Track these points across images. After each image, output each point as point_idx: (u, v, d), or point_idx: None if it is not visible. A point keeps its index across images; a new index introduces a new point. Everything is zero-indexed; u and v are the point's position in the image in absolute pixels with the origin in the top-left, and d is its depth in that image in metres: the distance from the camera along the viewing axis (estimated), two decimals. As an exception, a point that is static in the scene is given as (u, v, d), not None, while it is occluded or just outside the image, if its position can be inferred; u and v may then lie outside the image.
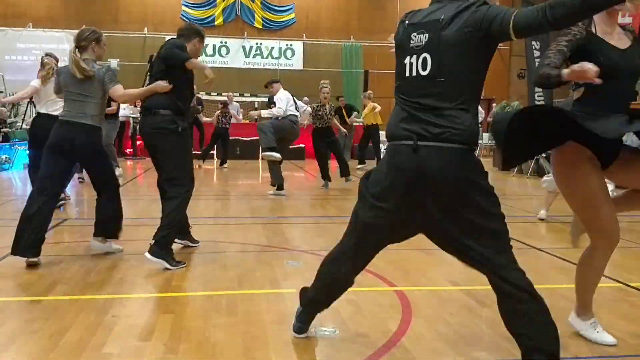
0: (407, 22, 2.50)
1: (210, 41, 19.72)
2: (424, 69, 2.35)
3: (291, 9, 22.00)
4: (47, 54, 7.01)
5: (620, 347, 2.92)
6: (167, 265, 4.23)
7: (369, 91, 15.02)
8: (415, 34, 2.40)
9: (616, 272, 4.32)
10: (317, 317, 3.30)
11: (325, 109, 9.60)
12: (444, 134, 2.26)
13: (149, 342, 2.92)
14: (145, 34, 20.96)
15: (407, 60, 2.44)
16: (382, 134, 17.42)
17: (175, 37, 4.70)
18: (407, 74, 2.44)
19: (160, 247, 4.26)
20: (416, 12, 2.52)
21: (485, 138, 19.76)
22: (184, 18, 20.12)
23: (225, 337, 2.99)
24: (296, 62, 21.78)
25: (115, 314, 3.31)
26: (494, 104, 20.47)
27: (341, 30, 22.24)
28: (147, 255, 4.25)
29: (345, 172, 9.85)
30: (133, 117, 15.72)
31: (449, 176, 2.26)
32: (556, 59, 2.69)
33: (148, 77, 4.71)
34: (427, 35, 2.34)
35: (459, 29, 2.26)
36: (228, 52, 21.12)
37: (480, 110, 11.52)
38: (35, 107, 7.32)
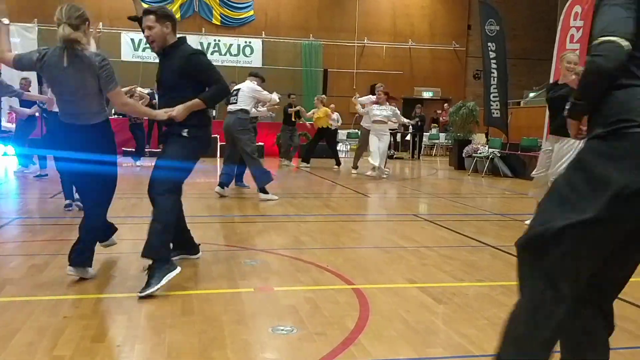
0: None
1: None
2: None
3: (250, 6, 21.87)
4: None
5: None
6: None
7: (322, 95, 14.99)
8: None
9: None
10: (275, 316, 3.30)
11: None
12: None
13: (102, 343, 2.86)
14: (100, 28, 20.48)
15: None
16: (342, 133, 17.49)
17: (183, 37, 4.20)
18: None
19: None
20: None
21: (442, 137, 20.08)
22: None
23: (181, 337, 2.95)
24: (255, 60, 21.66)
25: (67, 315, 3.22)
26: (445, 104, 20.82)
27: (301, 28, 22.23)
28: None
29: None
30: None
31: None
32: None
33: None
34: None
35: None
36: (185, 48, 20.89)
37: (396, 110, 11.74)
38: None
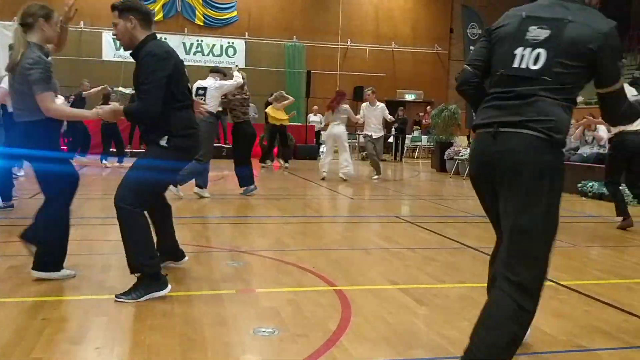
0: (524, 13, 2.48)
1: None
2: (535, 63, 2.37)
3: (233, 6, 21.82)
4: None
5: (551, 343, 3.03)
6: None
7: (279, 92, 14.64)
8: (535, 27, 2.40)
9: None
10: (256, 318, 3.28)
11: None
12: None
13: (81, 345, 2.82)
14: (81, 27, 20.32)
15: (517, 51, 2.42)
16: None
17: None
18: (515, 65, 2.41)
19: None
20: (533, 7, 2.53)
21: (424, 140, 20.18)
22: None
23: (161, 339, 2.92)
24: (238, 61, 21.58)
25: (45, 317, 3.18)
26: (428, 107, 20.94)
27: (284, 29, 22.23)
28: None
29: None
30: None
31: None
32: None
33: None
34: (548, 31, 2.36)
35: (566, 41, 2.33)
36: (168, 48, 20.77)
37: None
38: None
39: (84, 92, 13.19)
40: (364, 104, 12.10)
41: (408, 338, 3.06)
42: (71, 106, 11.97)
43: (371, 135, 11.75)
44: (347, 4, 22.79)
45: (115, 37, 3.74)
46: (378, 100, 11.93)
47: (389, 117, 12.35)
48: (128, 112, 3.69)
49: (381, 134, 12.00)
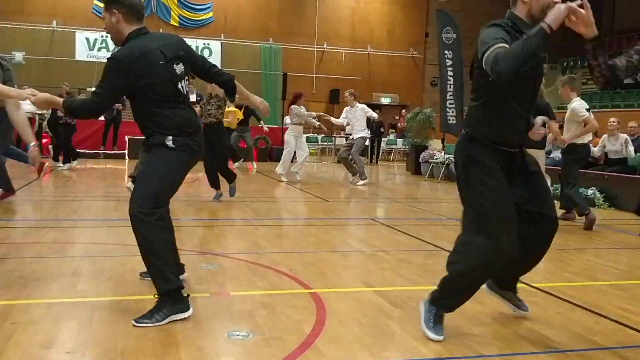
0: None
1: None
2: None
3: (209, 7, 21.71)
4: None
5: (523, 344, 3.06)
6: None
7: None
8: None
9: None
10: (230, 321, 3.26)
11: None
12: None
13: (52, 349, 2.77)
14: (54, 27, 20.03)
15: None
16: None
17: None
18: None
19: None
20: None
21: (400, 143, 20.30)
22: (97, 13, 19.39)
23: (134, 343, 2.88)
24: (214, 62, 21.29)
25: (15, 321, 3.11)
26: (403, 110, 21.07)
27: (260, 31, 22.18)
28: None
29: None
30: (39, 114, 14.76)
31: None
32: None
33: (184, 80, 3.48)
34: None
35: None
36: (143, 49, 20.57)
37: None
38: None
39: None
40: (346, 108, 12.09)
41: (382, 340, 3.07)
42: (52, 114, 11.65)
43: (352, 137, 11.79)
44: (323, 7, 22.84)
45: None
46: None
47: (374, 116, 12.23)
48: (67, 106, 3.40)
49: (361, 135, 11.70)
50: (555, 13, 2.61)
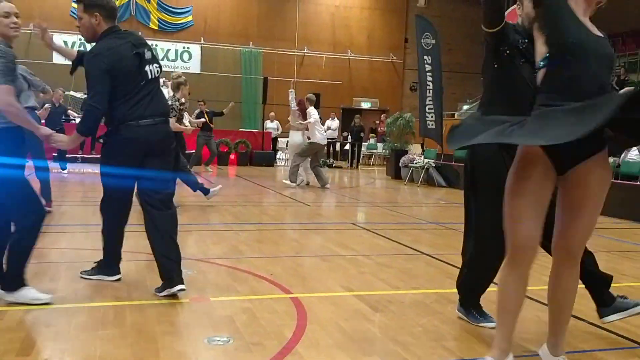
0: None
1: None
2: None
3: (189, 11, 21.61)
4: None
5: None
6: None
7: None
8: None
9: (498, 277, 4.57)
10: (210, 327, 3.24)
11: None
12: None
13: (28, 357, 2.73)
14: (30, 30, 19.75)
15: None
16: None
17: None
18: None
19: None
20: None
21: (380, 147, 20.38)
22: (74, 15, 19.13)
23: (113, 349, 2.85)
24: (193, 66, 21.41)
25: (-10, 329, 3.07)
26: (383, 115, 21.17)
27: (240, 35, 22.13)
28: None
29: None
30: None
31: None
32: None
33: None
34: None
35: None
36: (122, 52, 20.42)
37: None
38: None
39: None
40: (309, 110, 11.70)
41: (363, 344, 3.08)
42: (48, 116, 11.49)
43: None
44: (303, 11, 22.88)
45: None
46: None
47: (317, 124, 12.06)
48: (79, 127, 3.64)
49: (315, 140, 11.35)
50: None
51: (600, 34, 2.53)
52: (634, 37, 19.96)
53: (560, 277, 2.73)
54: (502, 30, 2.93)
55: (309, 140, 11.30)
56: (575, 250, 2.67)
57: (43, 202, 3.85)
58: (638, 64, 17.46)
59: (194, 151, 13.40)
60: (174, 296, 3.73)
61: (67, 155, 12.90)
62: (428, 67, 14.41)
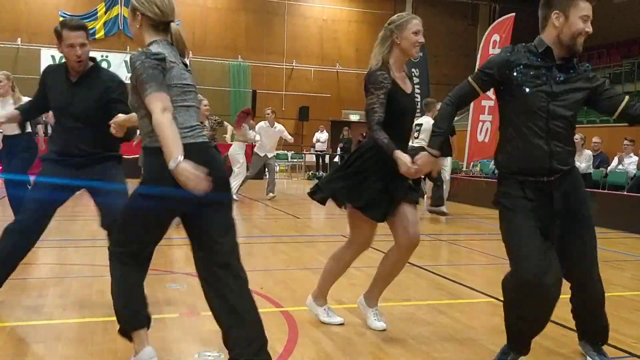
0: None
1: (90, 55, 18.90)
2: None
3: (177, 24, 21.59)
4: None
5: (492, 358, 3.09)
6: None
7: None
8: None
9: (490, 288, 4.59)
10: (200, 342, 3.22)
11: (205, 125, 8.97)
12: None
13: (16, 375, 2.70)
14: (18, 44, 19.73)
15: None
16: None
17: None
18: None
19: None
20: None
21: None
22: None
23: (102, 366, 2.82)
24: (182, 79, 21.35)
25: (-24, 346, 3.03)
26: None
27: (228, 48, 22.17)
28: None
29: None
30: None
31: None
32: (381, 112, 3.36)
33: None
34: None
35: None
36: (109, 66, 20.24)
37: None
38: None
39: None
40: (261, 123, 11.81)
41: (354, 357, 3.07)
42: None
43: (266, 155, 11.66)
44: (291, 25, 22.98)
45: (79, 57, 3.73)
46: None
47: (289, 138, 12.15)
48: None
49: (274, 153, 11.98)
50: (424, 161, 3.07)
51: (409, 90, 3.70)
52: (618, 49, 20.24)
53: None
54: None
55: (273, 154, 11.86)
56: None
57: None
58: (623, 74, 17.64)
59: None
60: (163, 311, 3.70)
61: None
62: (416, 80, 14.50)
